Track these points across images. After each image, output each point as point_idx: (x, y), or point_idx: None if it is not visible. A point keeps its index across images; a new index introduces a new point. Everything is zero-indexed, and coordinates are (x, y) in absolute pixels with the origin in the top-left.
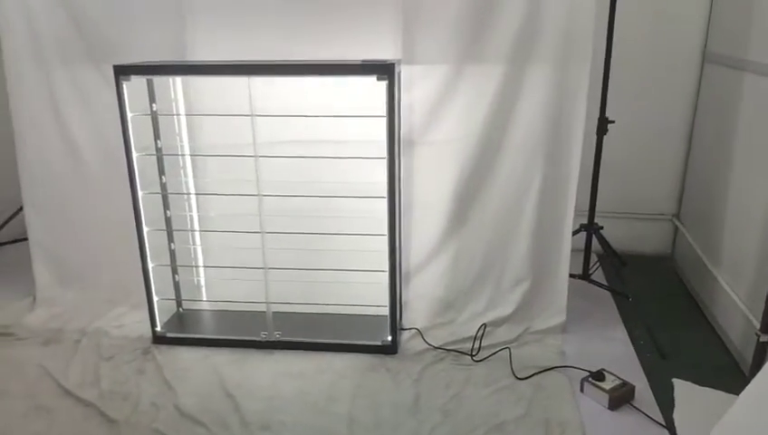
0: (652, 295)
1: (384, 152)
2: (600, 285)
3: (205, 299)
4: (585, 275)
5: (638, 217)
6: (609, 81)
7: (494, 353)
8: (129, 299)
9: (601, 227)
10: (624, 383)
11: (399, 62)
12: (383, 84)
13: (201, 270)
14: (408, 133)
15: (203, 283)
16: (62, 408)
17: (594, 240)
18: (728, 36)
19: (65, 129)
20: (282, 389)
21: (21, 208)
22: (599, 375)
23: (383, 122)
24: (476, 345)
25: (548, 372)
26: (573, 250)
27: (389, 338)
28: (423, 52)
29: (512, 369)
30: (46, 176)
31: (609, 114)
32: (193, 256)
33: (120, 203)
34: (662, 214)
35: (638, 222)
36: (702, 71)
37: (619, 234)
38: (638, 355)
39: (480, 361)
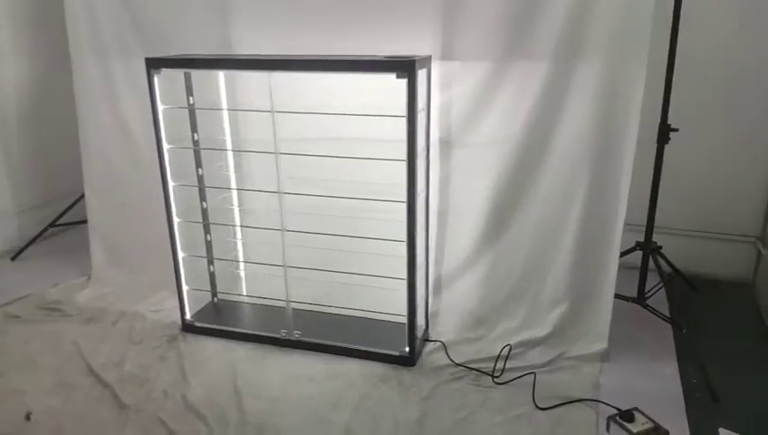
0: (720, 327)
1: (420, 153)
2: (656, 312)
3: (238, 292)
4: (640, 299)
5: (716, 238)
6: (680, 83)
7: (519, 377)
8: (172, 285)
9: (660, 247)
10: (656, 427)
11: (430, 58)
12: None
13: (241, 263)
14: (445, 134)
15: (243, 275)
16: (83, 387)
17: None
18: None
19: (121, 117)
20: (289, 391)
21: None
22: (628, 415)
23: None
24: (500, 366)
25: (574, 404)
26: (631, 268)
27: (407, 349)
28: (463, 47)
29: (533, 396)
30: (104, 161)
31: (682, 120)
32: (232, 248)
33: None
34: (744, 235)
35: (716, 243)
36: None
37: (693, 254)
38: (684, 396)
39: (502, 384)
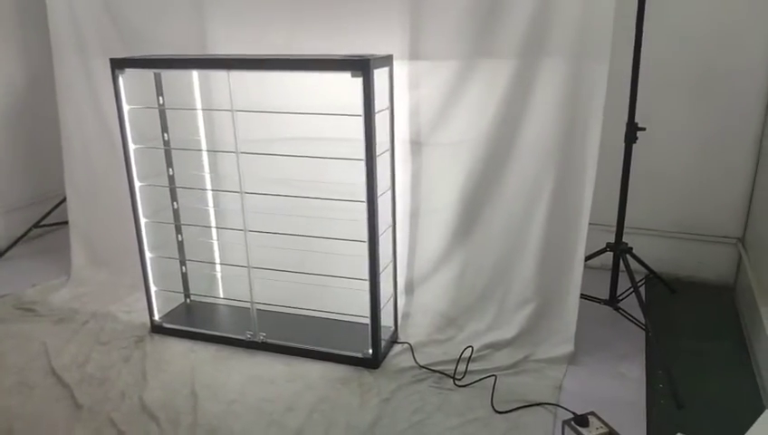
0: (697, 332)
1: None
2: (626, 315)
3: (213, 294)
4: (612, 301)
5: (697, 239)
6: (661, 81)
7: (480, 380)
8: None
9: (630, 248)
10: (610, 432)
11: (391, 57)
12: (358, 81)
13: (210, 263)
14: (414, 134)
15: (219, 276)
16: (43, 387)
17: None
18: None
19: (102, 117)
20: (247, 394)
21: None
22: (582, 419)
23: (384, 120)
24: (462, 368)
25: (533, 407)
26: (606, 270)
27: (370, 351)
28: (430, 46)
29: (491, 400)
30: (86, 161)
31: (660, 118)
32: (205, 249)
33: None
34: (726, 237)
35: (697, 244)
36: None
37: (673, 256)
38: (647, 400)
39: (463, 386)
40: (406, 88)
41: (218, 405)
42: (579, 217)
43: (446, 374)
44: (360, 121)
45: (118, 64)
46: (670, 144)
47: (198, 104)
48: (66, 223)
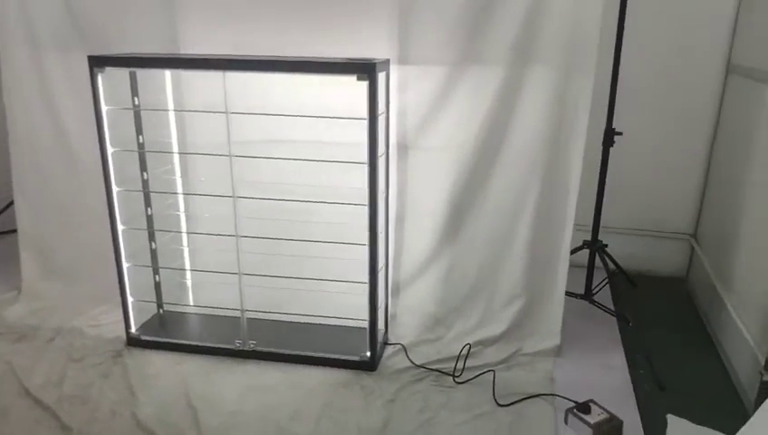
0: (661, 320)
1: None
2: (603, 308)
3: (187, 303)
4: (588, 295)
5: (652, 235)
6: (624, 90)
7: (478, 376)
8: (113, 297)
9: (606, 245)
10: (611, 417)
11: (388, 61)
12: (364, 84)
13: (187, 271)
14: (401, 138)
15: (189, 284)
16: (18, 410)
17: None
18: (756, 48)
19: (57, 118)
20: (247, 404)
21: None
22: (584, 407)
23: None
24: (460, 366)
25: (532, 399)
26: (578, 267)
27: (368, 354)
28: (418, 52)
29: (494, 394)
30: (37, 166)
31: (623, 125)
32: (178, 256)
33: None
34: (678, 233)
35: (653, 240)
36: (725, 82)
37: (632, 252)
38: (634, 386)
39: (462, 383)
40: (394, 92)
41: (219, 417)
42: (564, 218)
43: (443, 372)
44: (357, 124)
45: (97, 62)
46: (628, 149)
47: (170, 105)
48: (8, 232)
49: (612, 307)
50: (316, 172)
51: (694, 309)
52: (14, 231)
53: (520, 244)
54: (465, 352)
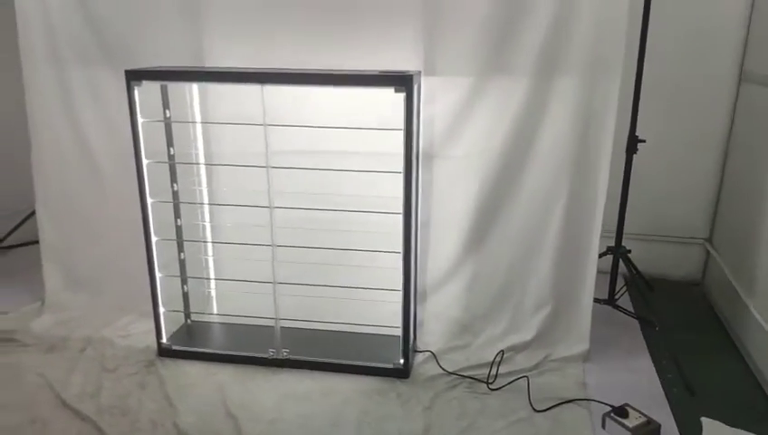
0: (681, 324)
1: (400, 166)
2: (626, 312)
3: (213, 312)
4: (611, 301)
5: (667, 240)
6: (641, 97)
7: (512, 382)
8: (138, 307)
9: (629, 251)
10: (649, 421)
11: (420, 73)
12: (401, 96)
13: (212, 281)
14: (427, 147)
15: (213, 294)
16: (58, 421)
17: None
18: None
19: (80, 130)
20: (285, 412)
21: (34, 212)
22: (622, 411)
23: (399, 134)
24: (493, 372)
25: (567, 404)
26: (599, 273)
27: (401, 361)
28: (445, 63)
29: (529, 400)
30: (60, 177)
31: (639, 132)
32: (204, 266)
33: (133, 208)
34: (693, 237)
35: (668, 245)
36: (738, 90)
37: (646, 256)
38: (664, 390)
39: (496, 389)
40: (421, 103)
41: (261, 425)
42: (591, 226)
43: (476, 379)
44: (384, 133)
45: (134, 76)
46: (646, 155)
47: (198, 116)
48: (28, 244)
49: (633, 311)
50: (345, 181)
51: (712, 312)
52: (35, 242)
53: (548, 251)
54: (498, 358)
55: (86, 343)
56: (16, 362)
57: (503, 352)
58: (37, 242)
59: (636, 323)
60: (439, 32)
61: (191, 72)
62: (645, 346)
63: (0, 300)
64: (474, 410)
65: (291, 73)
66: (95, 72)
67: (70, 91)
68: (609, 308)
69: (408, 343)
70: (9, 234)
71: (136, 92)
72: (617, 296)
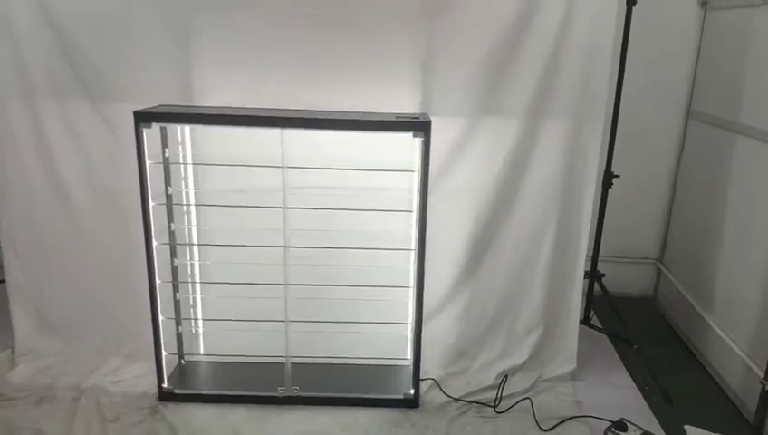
0: (645, 339)
1: (405, 203)
2: (602, 331)
3: (208, 352)
4: (586, 320)
5: (622, 261)
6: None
7: (516, 404)
8: (120, 350)
9: (603, 275)
10: (646, 433)
11: (426, 116)
12: (417, 140)
13: (200, 320)
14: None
15: (201, 332)
16: None
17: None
18: (712, 97)
19: (53, 167)
20: None
21: None
22: (620, 425)
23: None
24: (498, 396)
25: (568, 422)
26: None
27: (412, 391)
28: (440, 104)
29: (535, 420)
30: (30, 216)
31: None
32: (192, 305)
33: (111, 246)
34: (645, 258)
35: (623, 265)
36: (686, 126)
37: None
38: (647, 401)
39: (502, 412)
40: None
41: None
42: (576, 253)
43: (481, 403)
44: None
45: (143, 118)
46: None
47: (189, 157)
48: None
49: (602, 328)
50: (345, 216)
51: (667, 325)
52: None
53: (538, 277)
54: (499, 381)
55: (77, 392)
56: (6, 418)
57: (506, 376)
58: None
59: (606, 338)
60: (436, 74)
61: (206, 115)
62: (620, 361)
63: None
64: (488, 433)
65: (310, 118)
66: (69, 106)
67: (42, 125)
68: (585, 327)
69: (418, 374)
70: None
71: (144, 135)
72: (591, 316)
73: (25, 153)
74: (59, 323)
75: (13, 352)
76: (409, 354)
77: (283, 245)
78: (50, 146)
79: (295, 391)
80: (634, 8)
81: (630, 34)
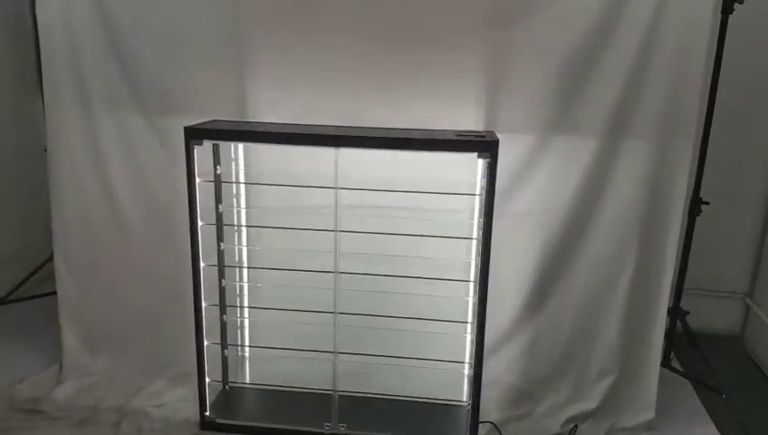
0: (728, 382)
1: (462, 226)
2: (683, 374)
3: (256, 379)
4: (665, 362)
5: (705, 295)
6: None
7: None
8: (166, 371)
9: (688, 313)
10: None
11: (493, 134)
12: (482, 161)
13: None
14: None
15: (247, 357)
16: None
17: None
18: None
19: (106, 181)
20: None
21: (43, 263)
22: None
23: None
24: None
25: None
26: None
27: None
28: (507, 119)
29: None
30: (82, 231)
31: None
32: (239, 328)
33: (162, 263)
34: (733, 292)
35: (707, 299)
36: None
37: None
38: None
39: None
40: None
41: None
42: (660, 291)
43: None
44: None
45: (194, 135)
46: None
47: (242, 174)
48: (35, 297)
49: (683, 371)
50: (399, 239)
51: (757, 368)
52: (42, 296)
53: (614, 316)
54: (566, 430)
55: (119, 415)
56: None
57: (576, 425)
58: (41, 295)
59: (687, 383)
60: (504, 87)
61: (261, 133)
62: (704, 410)
63: (14, 362)
64: None
65: (368, 137)
66: (125, 121)
67: (98, 140)
68: (664, 370)
69: (476, 418)
70: (16, 288)
71: (195, 152)
72: (671, 357)
73: (80, 166)
74: (106, 339)
75: (60, 367)
76: (466, 395)
77: (333, 270)
78: (103, 159)
79: (342, 429)
80: (730, 17)
81: (725, 45)
